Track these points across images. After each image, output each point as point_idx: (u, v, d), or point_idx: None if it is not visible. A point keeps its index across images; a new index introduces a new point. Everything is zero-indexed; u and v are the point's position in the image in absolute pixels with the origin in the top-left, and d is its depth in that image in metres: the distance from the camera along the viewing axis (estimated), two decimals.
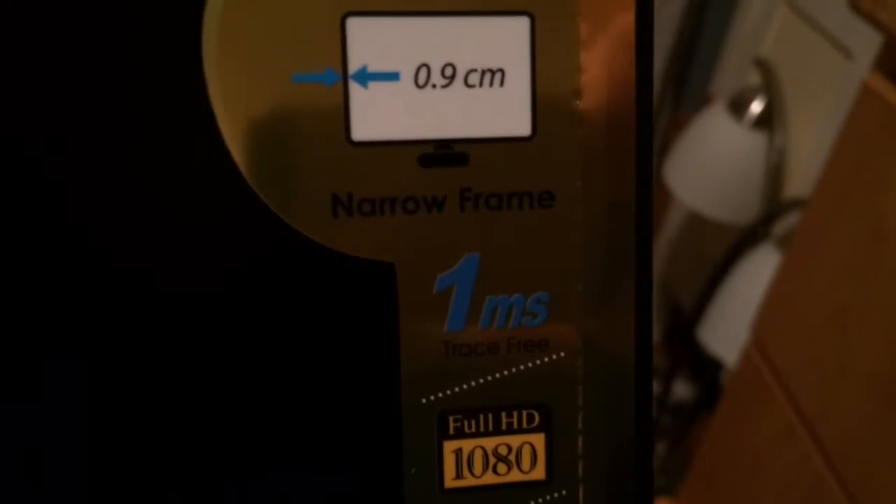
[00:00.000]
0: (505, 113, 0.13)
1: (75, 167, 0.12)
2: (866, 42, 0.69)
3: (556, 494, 0.14)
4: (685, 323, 0.86)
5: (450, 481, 0.13)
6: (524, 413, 0.13)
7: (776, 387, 0.62)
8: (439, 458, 0.13)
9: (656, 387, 0.92)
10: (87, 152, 0.12)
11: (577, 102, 0.13)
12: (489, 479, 0.13)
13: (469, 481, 0.13)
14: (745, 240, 0.79)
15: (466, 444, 0.13)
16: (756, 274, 0.74)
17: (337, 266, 0.13)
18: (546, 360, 0.13)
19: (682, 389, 0.91)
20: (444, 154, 0.13)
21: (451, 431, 0.13)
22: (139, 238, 0.12)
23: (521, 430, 0.13)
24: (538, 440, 0.14)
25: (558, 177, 0.13)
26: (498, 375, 0.13)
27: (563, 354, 0.13)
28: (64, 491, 0.13)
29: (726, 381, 0.76)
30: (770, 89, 0.81)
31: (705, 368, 0.86)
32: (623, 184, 0.13)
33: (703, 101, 0.91)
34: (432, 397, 0.13)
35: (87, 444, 0.13)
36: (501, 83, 0.13)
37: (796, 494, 0.59)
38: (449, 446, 0.13)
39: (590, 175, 0.13)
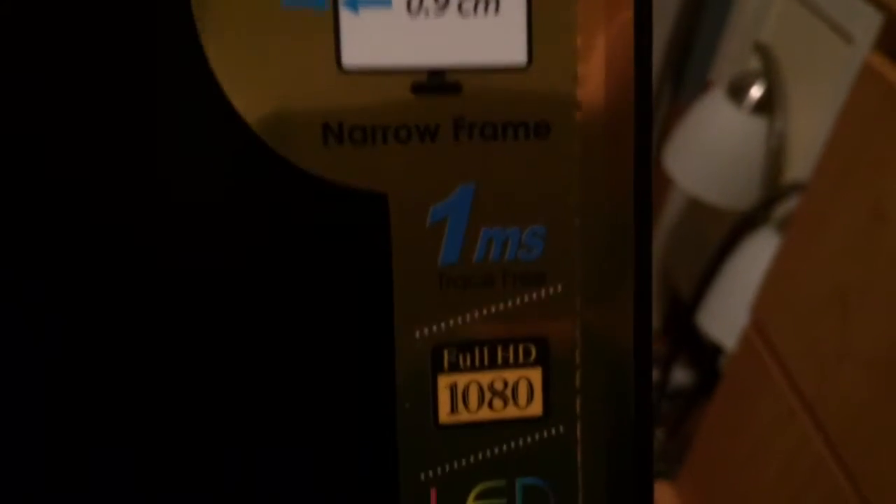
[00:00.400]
0: (500, 41, 0.13)
1: (62, 101, 0.12)
2: (866, 26, 0.69)
3: (553, 431, 0.13)
4: (684, 310, 0.86)
5: (444, 416, 0.13)
6: (520, 347, 0.13)
7: (776, 369, 0.62)
8: (433, 392, 0.13)
9: (655, 374, 0.92)
10: (73, 85, 0.12)
11: (575, 31, 0.13)
12: (484, 414, 0.13)
13: (464, 416, 0.13)
14: (745, 225, 0.78)
15: (461, 379, 0.13)
16: (756, 258, 0.73)
17: (328, 196, 0.12)
18: (543, 294, 0.13)
19: (680, 376, 0.91)
20: (436, 82, 0.12)
21: (446, 366, 0.13)
22: (129, 171, 0.12)
23: (517, 365, 0.13)
24: (535, 375, 0.13)
25: (555, 107, 0.13)
26: (493, 309, 0.13)
27: (560, 288, 0.13)
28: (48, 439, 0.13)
29: (725, 365, 0.75)
30: (770, 74, 0.80)
31: (704, 355, 0.86)
32: (622, 116, 0.13)
33: (703, 87, 0.90)
34: (426, 331, 0.13)
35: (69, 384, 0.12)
36: (496, 10, 0.12)
37: (796, 477, 0.59)
38: (443, 381, 0.13)
39: (589, 107, 0.13)
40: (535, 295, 0.13)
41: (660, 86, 0.91)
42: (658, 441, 0.87)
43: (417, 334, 0.13)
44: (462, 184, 0.13)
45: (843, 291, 0.56)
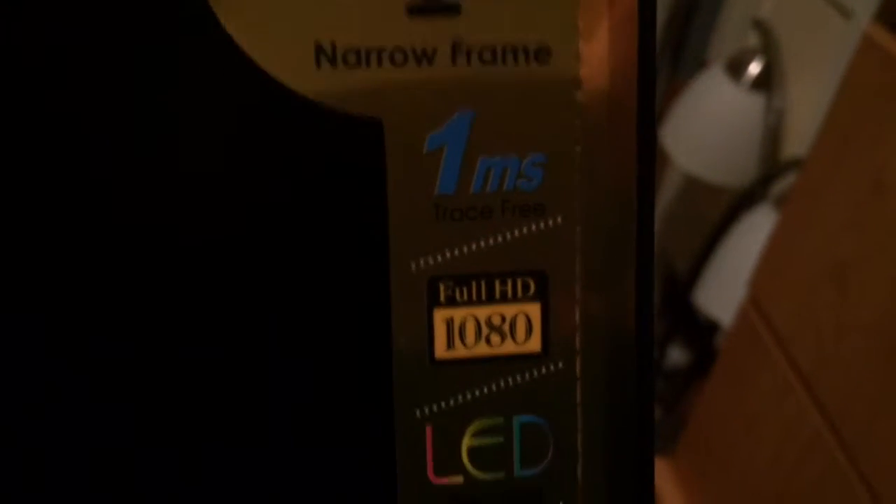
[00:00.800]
0: None
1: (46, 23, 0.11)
2: (865, 1, 0.68)
3: (552, 367, 0.13)
4: (680, 289, 0.86)
5: (441, 352, 0.13)
6: (519, 281, 0.13)
7: (773, 344, 0.62)
8: (430, 327, 0.13)
9: None
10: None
11: None
12: (482, 350, 0.13)
13: (461, 352, 0.13)
14: (743, 202, 0.78)
15: (458, 313, 0.13)
16: (753, 235, 0.73)
17: (321, 120, 0.12)
18: (542, 225, 0.13)
19: (676, 355, 0.91)
20: (434, 3, 0.12)
21: (442, 299, 0.13)
22: (118, 94, 0.12)
23: (515, 300, 0.13)
24: (533, 310, 0.13)
25: (556, 32, 0.12)
26: (491, 241, 0.13)
27: (560, 220, 0.13)
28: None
29: (722, 341, 0.75)
30: (768, 50, 0.80)
31: (700, 334, 0.86)
32: (625, 44, 0.13)
33: (701, 64, 0.90)
34: (422, 263, 0.13)
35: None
36: None
37: (793, 451, 0.59)
38: (440, 315, 0.13)
39: (591, 32, 0.12)
40: (534, 226, 0.13)
41: (658, 62, 0.90)
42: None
43: (413, 267, 0.13)
44: (460, 110, 0.12)
45: (841, 265, 0.56)
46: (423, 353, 0.13)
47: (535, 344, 0.13)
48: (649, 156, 0.13)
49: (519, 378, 0.13)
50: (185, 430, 0.12)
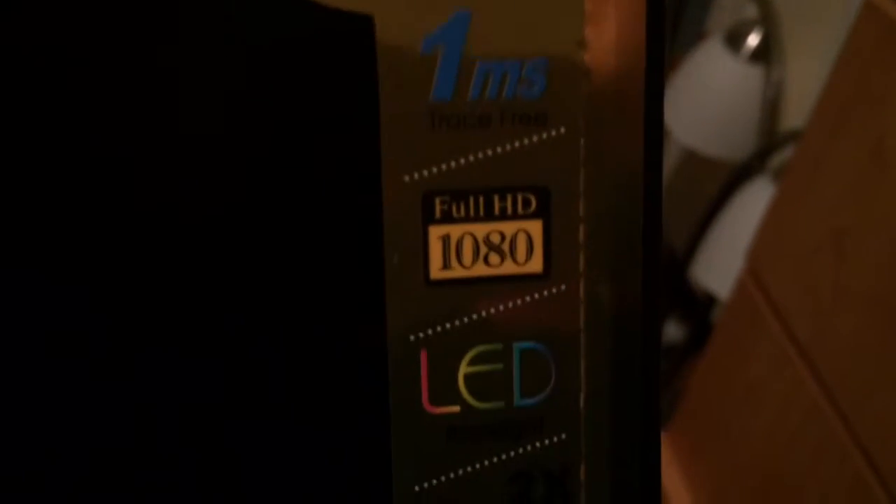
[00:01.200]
0: None
1: None
2: None
3: (553, 290, 0.12)
4: (677, 264, 0.85)
5: (436, 272, 0.12)
6: (519, 196, 0.12)
7: (770, 315, 0.61)
8: (424, 245, 0.12)
9: None
10: None
11: None
12: (480, 270, 0.12)
13: (457, 272, 0.12)
14: (741, 175, 0.77)
15: (455, 231, 0.12)
16: (751, 208, 0.72)
17: (308, 17, 0.11)
18: (544, 136, 0.12)
19: (673, 331, 0.91)
20: None
21: (438, 215, 0.12)
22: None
23: (515, 216, 0.12)
24: (535, 227, 0.12)
25: None
26: (490, 153, 0.12)
27: (563, 131, 0.12)
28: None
29: (720, 313, 0.75)
30: (767, 22, 0.79)
31: (696, 310, 0.86)
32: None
33: (699, 36, 0.89)
34: (416, 175, 0.12)
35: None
36: None
37: (790, 421, 0.59)
38: (435, 232, 0.12)
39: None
40: (535, 138, 0.12)
41: None
42: None
43: (406, 179, 0.12)
44: (457, 9, 0.11)
45: (841, 233, 0.55)
46: (417, 272, 0.12)
47: (536, 264, 0.12)
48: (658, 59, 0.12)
49: (519, 301, 0.12)
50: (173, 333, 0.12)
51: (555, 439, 0.12)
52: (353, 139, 0.12)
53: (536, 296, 0.12)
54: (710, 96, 0.81)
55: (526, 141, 0.12)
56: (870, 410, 0.53)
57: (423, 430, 0.12)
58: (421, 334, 0.12)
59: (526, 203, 0.12)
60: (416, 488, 0.12)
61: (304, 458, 0.12)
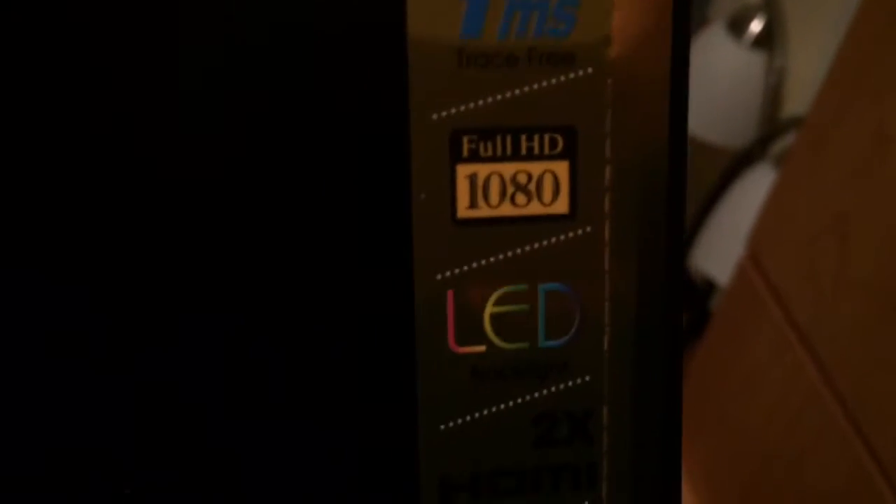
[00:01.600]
0: None
1: None
2: None
3: (579, 231, 0.12)
4: None
5: (463, 210, 0.12)
6: (546, 136, 0.12)
7: (770, 300, 0.62)
8: (452, 183, 0.12)
9: None
10: None
11: None
12: (506, 210, 0.12)
13: (484, 211, 0.12)
14: (742, 161, 0.77)
15: (482, 170, 0.12)
16: (752, 195, 0.72)
17: None
18: (572, 76, 0.12)
19: None
20: None
21: (465, 153, 0.12)
22: None
23: (542, 157, 0.12)
24: (561, 168, 0.12)
25: None
26: (517, 92, 0.12)
27: (591, 71, 0.12)
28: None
29: (719, 299, 0.75)
30: (770, 8, 0.79)
31: (695, 297, 0.86)
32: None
33: (702, 22, 0.88)
34: (444, 113, 0.12)
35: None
36: None
37: (789, 406, 0.59)
38: (462, 170, 0.12)
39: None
40: (563, 77, 0.12)
41: None
42: None
43: (434, 117, 0.12)
44: None
45: (843, 217, 0.55)
46: (444, 211, 0.12)
47: (562, 205, 0.12)
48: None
49: (545, 242, 0.12)
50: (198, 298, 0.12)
51: (578, 381, 0.13)
52: (381, 76, 0.12)
53: (562, 237, 0.12)
54: (712, 82, 0.81)
55: (553, 80, 0.12)
56: (869, 395, 0.53)
57: (449, 370, 0.12)
58: (447, 273, 0.12)
59: (553, 143, 0.12)
60: (442, 427, 0.12)
61: (328, 397, 0.12)
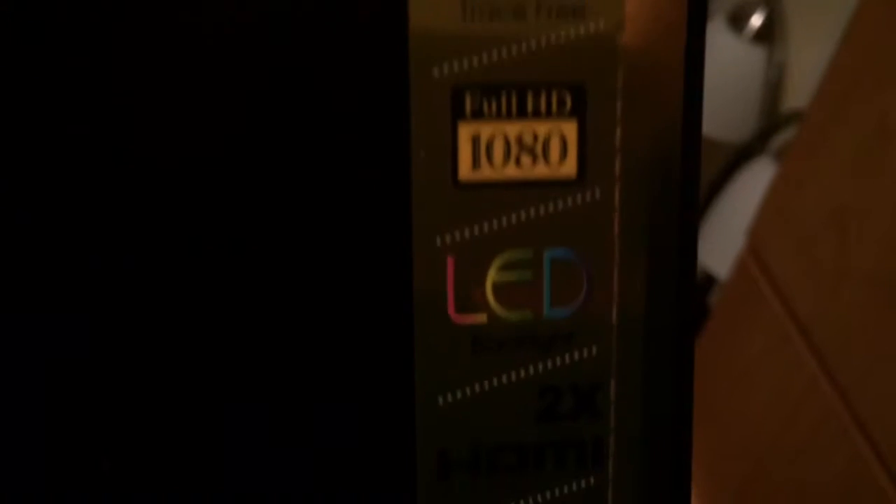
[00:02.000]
0: None
1: None
2: None
3: (588, 195, 0.12)
4: None
5: (465, 172, 0.11)
6: (554, 94, 0.11)
7: (770, 293, 0.61)
8: (453, 143, 0.11)
9: None
10: None
11: None
12: (511, 172, 0.11)
13: (487, 174, 0.11)
14: (742, 155, 0.77)
15: (485, 129, 0.11)
16: (753, 189, 0.72)
17: None
18: (581, 30, 0.11)
19: None
20: None
21: (468, 111, 0.11)
22: None
23: (549, 115, 0.11)
24: (569, 128, 0.12)
25: None
26: (524, 46, 0.11)
27: (602, 25, 0.11)
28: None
29: (719, 292, 0.75)
30: (771, 2, 0.78)
31: (696, 290, 0.85)
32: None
33: None
34: (446, 68, 0.11)
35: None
36: None
37: (789, 399, 0.59)
38: (465, 129, 0.11)
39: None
40: (572, 31, 0.11)
41: None
42: None
43: (436, 72, 0.11)
44: None
45: (844, 210, 0.55)
46: (445, 172, 0.11)
47: (570, 168, 0.12)
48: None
49: (551, 206, 0.12)
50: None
51: (585, 353, 0.12)
52: (379, 28, 0.11)
53: (569, 201, 0.12)
54: (712, 77, 0.80)
55: (563, 35, 0.11)
56: (868, 388, 0.53)
57: (448, 340, 0.12)
58: (448, 238, 0.11)
59: (561, 101, 0.11)
60: (440, 400, 0.12)
61: (322, 369, 0.12)
